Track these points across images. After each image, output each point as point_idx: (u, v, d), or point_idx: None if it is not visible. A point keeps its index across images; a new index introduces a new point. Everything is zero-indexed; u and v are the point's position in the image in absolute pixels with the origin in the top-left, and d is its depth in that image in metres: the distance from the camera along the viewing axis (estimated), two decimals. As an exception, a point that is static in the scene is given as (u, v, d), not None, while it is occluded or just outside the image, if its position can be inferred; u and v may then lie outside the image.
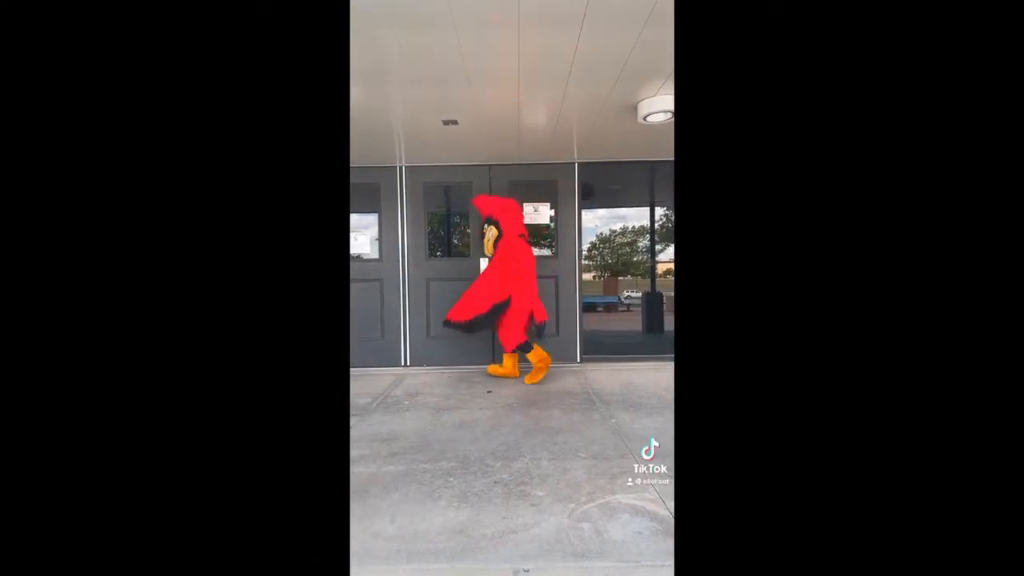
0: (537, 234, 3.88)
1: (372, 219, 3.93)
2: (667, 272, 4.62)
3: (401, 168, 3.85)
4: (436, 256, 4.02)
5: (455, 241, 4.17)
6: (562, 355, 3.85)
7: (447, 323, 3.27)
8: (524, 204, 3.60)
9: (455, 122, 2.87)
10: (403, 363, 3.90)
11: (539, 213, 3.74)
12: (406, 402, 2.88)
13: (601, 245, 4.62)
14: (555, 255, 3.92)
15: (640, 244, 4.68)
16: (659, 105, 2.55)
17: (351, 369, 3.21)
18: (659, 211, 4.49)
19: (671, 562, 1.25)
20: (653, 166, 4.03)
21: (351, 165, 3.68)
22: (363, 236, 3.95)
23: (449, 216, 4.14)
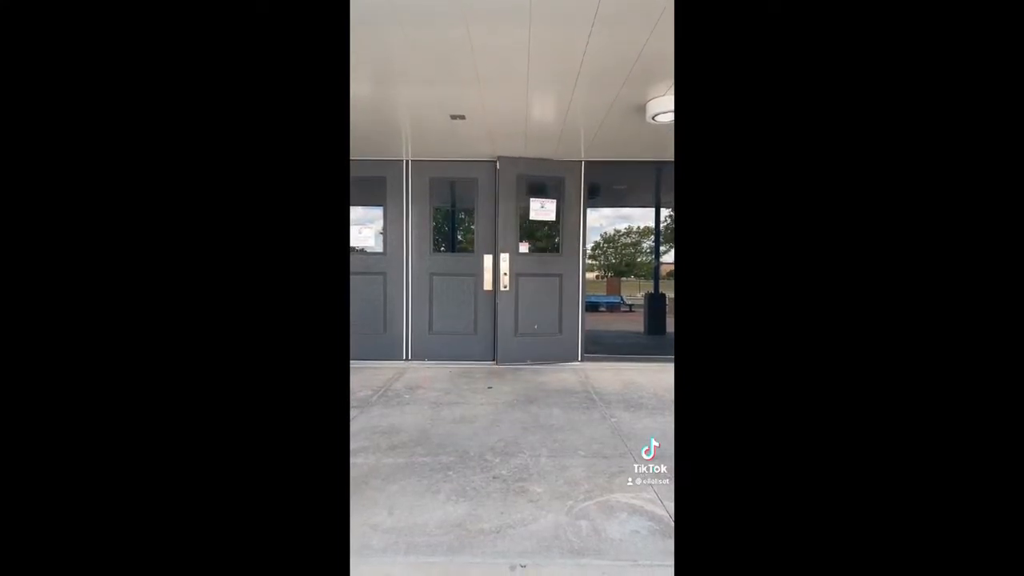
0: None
1: (377, 213, 3.93)
2: (671, 274, 4.62)
3: (407, 162, 3.85)
4: (440, 251, 4.02)
5: (459, 237, 4.17)
6: (563, 354, 3.85)
7: None
8: (532, 200, 3.61)
9: (462, 117, 2.86)
10: (404, 357, 3.91)
11: (546, 209, 3.73)
12: (406, 396, 2.89)
13: (605, 245, 4.61)
14: (560, 252, 3.91)
15: (644, 245, 4.68)
16: (668, 105, 2.54)
17: (352, 362, 3.22)
18: (664, 212, 4.47)
19: (669, 562, 1.25)
20: (659, 167, 4.02)
21: (356, 158, 3.68)
22: (368, 230, 3.95)
23: (454, 211, 4.13)
